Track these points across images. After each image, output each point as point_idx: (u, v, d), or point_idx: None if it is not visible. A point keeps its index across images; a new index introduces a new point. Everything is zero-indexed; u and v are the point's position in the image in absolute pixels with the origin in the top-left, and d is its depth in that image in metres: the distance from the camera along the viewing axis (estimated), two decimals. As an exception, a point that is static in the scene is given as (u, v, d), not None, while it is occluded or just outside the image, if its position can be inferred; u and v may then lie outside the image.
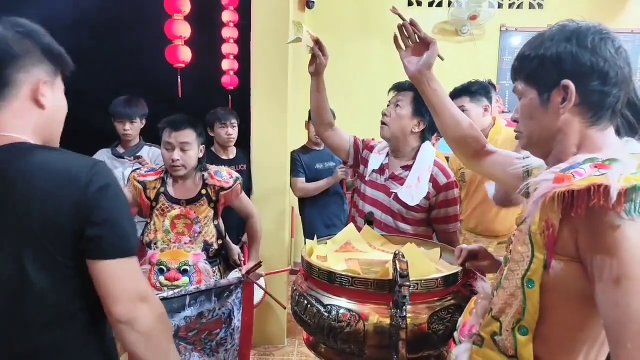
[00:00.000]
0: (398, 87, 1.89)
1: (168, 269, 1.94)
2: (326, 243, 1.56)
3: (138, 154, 2.71)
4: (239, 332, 1.98)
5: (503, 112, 3.89)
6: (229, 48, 4.14)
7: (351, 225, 1.64)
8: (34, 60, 0.94)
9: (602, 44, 0.84)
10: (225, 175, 2.07)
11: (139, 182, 1.99)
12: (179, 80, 2.91)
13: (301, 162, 3.07)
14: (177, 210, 1.96)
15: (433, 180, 1.79)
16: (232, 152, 3.02)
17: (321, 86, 1.84)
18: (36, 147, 0.93)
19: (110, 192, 0.91)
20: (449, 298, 1.21)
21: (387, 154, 1.92)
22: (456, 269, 1.26)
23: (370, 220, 1.68)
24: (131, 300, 0.89)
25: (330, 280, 1.19)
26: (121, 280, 0.90)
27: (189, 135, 1.94)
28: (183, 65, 2.91)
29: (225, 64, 4.19)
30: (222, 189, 2.04)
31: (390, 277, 1.13)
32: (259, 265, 1.94)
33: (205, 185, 2.03)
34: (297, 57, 3.13)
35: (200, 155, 2.03)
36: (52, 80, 0.98)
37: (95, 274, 0.89)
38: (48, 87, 0.96)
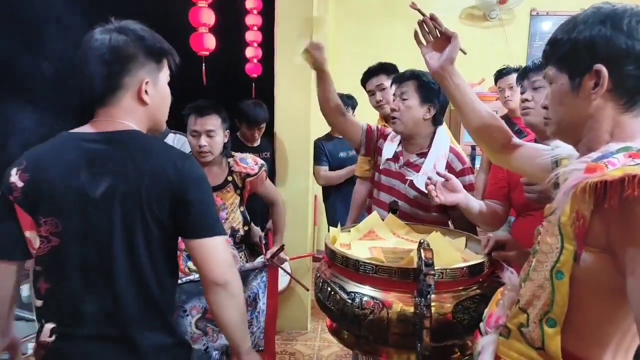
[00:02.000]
0: (399, 80, 1.85)
1: None
2: (350, 231, 1.55)
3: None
4: (264, 315, 2.01)
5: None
6: (253, 35, 4.14)
7: (375, 213, 1.64)
8: (138, 63, 1.08)
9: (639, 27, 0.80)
10: (250, 162, 2.08)
11: None
12: (203, 68, 2.92)
13: (324, 151, 3.06)
14: (204, 196, 1.99)
15: (449, 166, 1.79)
16: (256, 140, 3.04)
17: (324, 78, 1.83)
18: (144, 135, 1.10)
19: (203, 181, 1.10)
20: (474, 288, 1.19)
21: (400, 142, 1.90)
22: (482, 258, 1.24)
23: (395, 209, 1.67)
24: (227, 266, 1.09)
25: (354, 268, 1.19)
26: (218, 252, 1.08)
27: (214, 122, 1.95)
28: (207, 53, 2.92)
29: (249, 52, 4.19)
30: (248, 175, 2.05)
31: (415, 265, 1.12)
32: (281, 248, 1.96)
33: (231, 172, 2.05)
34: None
35: (226, 140, 2.04)
36: (155, 77, 1.11)
37: (197, 249, 1.07)
38: (150, 85, 1.09)
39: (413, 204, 1.81)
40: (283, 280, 2.17)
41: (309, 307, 3.12)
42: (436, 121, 1.85)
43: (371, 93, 2.52)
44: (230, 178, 2.04)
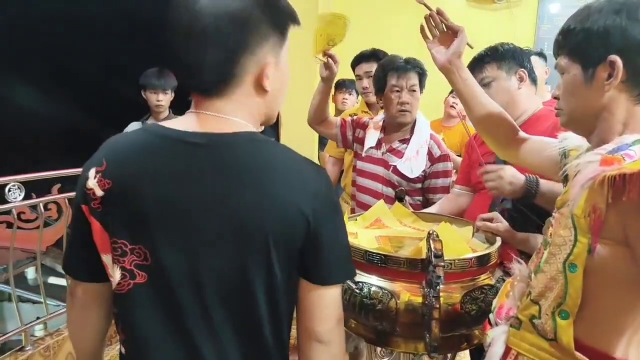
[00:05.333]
0: (404, 69, 1.89)
1: None
2: (356, 220, 1.55)
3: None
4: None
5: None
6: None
7: (382, 201, 1.63)
8: (261, 36, 0.78)
9: None
10: None
11: None
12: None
13: (329, 136, 3.05)
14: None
15: (429, 152, 1.92)
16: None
17: (328, 90, 1.95)
18: (265, 141, 0.82)
19: (339, 211, 0.84)
20: (483, 278, 1.19)
21: (382, 129, 2.00)
22: (490, 248, 1.24)
23: (401, 197, 1.66)
24: (336, 322, 0.85)
25: (362, 258, 1.18)
26: (334, 304, 0.85)
27: None
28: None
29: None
30: None
31: (424, 256, 1.12)
32: None
33: None
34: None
35: None
36: (278, 55, 0.82)
37: (310, 299, 0.83)
38: (272, 67, 0.81)
39: (396, 189, 1.91)
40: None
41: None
42: None
43: (359, 78, 2.55)
44: None
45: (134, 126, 2.76)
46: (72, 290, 0.88)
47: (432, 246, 1.06)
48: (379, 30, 4.19)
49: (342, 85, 3.23)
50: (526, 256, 1.22)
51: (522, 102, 1.56)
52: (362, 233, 1.45)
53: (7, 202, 2.09)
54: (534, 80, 1.60)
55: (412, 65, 1.89)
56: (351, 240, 1.27)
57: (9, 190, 2.05)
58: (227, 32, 0.75)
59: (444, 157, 1.94)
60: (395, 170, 1.90)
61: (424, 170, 1.90)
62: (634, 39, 0.80)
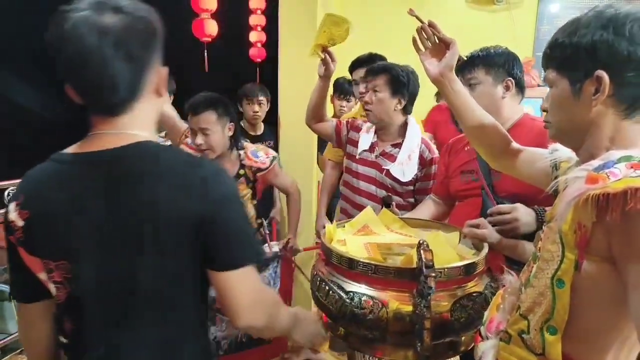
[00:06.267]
0: (371, 73, 2.02)
1: None
2: (344, 226, 1.55)
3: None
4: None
5: (538, 85, 3.74)
6: (257, 20, 4.09)
7: (369, 208, 1.63)
8: (158, 49, 0.88)
9: None
10: (261, 156, 2.05)
11: None
12: (205, 54, 2.90)
13: (328, 138, 3.05)
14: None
15: (420, 156, 2.06)
16: (259, 128, 3.03)
17: (326, 88, 2.05)
18: (163, 148, 0.93)
19: (233, 202, 0.93)
20: (470, 285, 1.19)
21: (375, 133, 2.10)
22: (477, 255, 1.24)
23: (388, 203, 1.66)
24: (252, 311, 0.94)
25: (352, 267, 1.19)
26: (244, 291, 0.93)
27: (207, 119, 1.87)
28: (210, 40, 2.89)
29: (253, 36, 4.15)
30: (259, 170, 2.02)
31: (414, 265, 1.12)
32: (288, 241, 2.01)
33: (242, 165, 2.02)
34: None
35: (230, 134, 1.97)
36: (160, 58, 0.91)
37: (218, 285, 0.92)
38: (164, 71, 0.91)
39: (390, 191, 2.05)
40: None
41: (311, 293, 3.14)
42: (406, 110, 2.05)
43: (355, 82, 2.56)
44: (242, 172, 2.01)
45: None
46: (21, 314, 1.00)
47: (423, 256, 1.06)
48: (376, 33, 4.18)
49: (340, 89, 3.14)
50: (517, 266, 1.22)
51: (505, 110, 1.59)
52: (350, 240, 1.44)
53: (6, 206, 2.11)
54: (521, 89, 1.62)
55: (380, 69, 2.00)
56: (340, 248, 1.29)
57: (8, 195, 2.07)
58: (135, 51, 0.82)
59: (435, 160, 2.04)
60: (388, 174, 2.02)
61: (415, 174, 2.01)
62: (620, 55, 0.80)
